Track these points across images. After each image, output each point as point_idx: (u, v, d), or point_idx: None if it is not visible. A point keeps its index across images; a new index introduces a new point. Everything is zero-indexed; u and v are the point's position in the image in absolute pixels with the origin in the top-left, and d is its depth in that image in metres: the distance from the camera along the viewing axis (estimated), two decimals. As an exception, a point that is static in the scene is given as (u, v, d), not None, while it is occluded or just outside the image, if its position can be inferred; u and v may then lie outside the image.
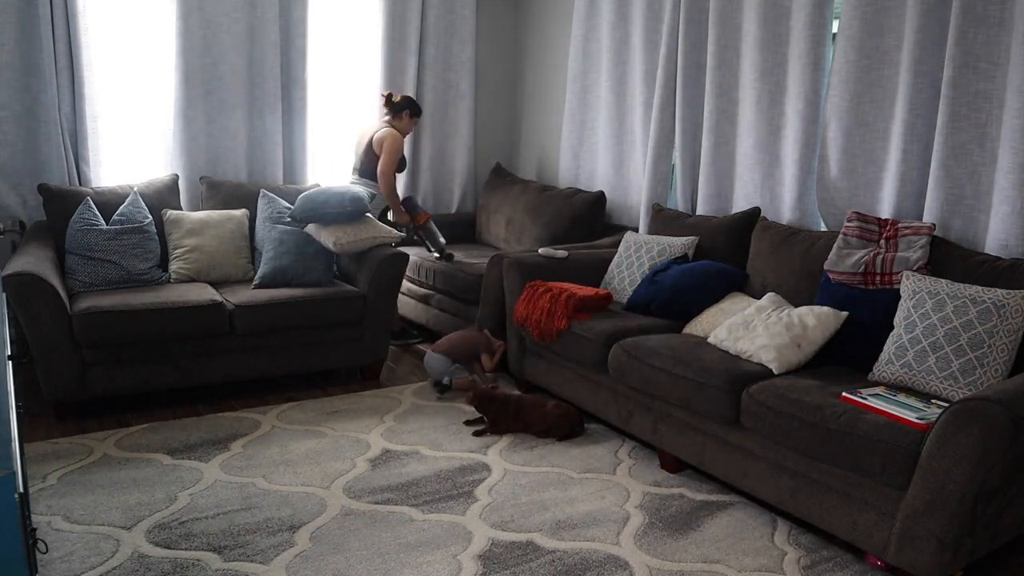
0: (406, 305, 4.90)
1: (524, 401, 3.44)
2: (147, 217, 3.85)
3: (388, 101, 4.61)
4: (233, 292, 3.74)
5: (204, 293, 3.62)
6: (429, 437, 3.33)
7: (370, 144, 4.52)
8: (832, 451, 2.45)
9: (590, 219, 4.53)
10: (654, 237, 3.88)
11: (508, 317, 3.92)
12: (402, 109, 4.59)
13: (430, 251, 4.68)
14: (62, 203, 3.76)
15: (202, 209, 4.26)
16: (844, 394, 2.58)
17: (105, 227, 3.71)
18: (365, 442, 3.26)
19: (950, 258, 2.92)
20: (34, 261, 3.35)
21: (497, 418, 3.40)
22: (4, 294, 2.66)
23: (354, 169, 4.66)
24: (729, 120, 3.97)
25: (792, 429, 2.56)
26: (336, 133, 4.96)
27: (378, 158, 4.47)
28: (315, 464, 3.05)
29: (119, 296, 3.48)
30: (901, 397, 2.57)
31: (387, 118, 4.59)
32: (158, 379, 3.50)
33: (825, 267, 3.19)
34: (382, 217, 4.63)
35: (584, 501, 2.84)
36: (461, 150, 5.39)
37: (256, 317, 3.61)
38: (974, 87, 2.95)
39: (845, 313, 2.97)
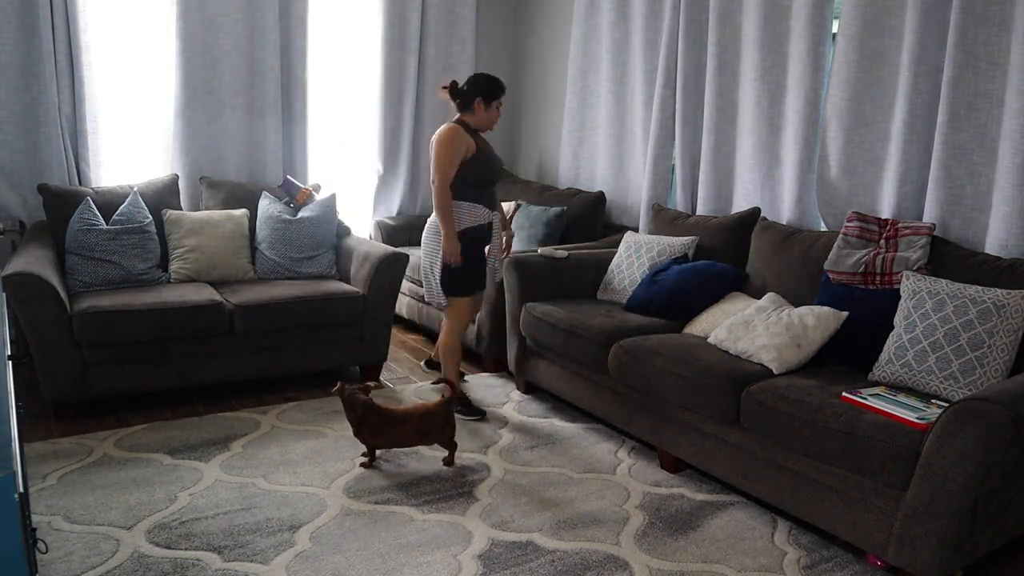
0: (408, 305, 4.90)
1: (389, 416, 2.98)
2: (147, 217, 3.85)
3: (453, 92, 3.56)
4: (233, 292, 3.74)
5: (204, 293, 3.62)
6: (429, 437, 3.33)
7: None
8: (832, 451, 2.45)
9: (590, 219, 4.53)
10: (654, 237, 3.88)
11: (508, 317, 3.92)
12: (470, 97, 3.50)
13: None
14: (62, 203, 3.76)
15: (202, 209, 4.26)
16: (844, 394, 2.58)
17: (105, 227, 3.71)
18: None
19: (950, 258, 2.92)
20: (34, 261, 3.35)
21: (360, 427, 2.99)
22: (4, 294, 2.66)
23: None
24: (729, 120, 3.97)
25: (792, 429, 2.56)
26: (336, 133, 4.96)
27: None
28: (315, 464, 3.05)
29: (119, 296, 3.48)
30: (901, 397, 2.57)
31: (457, 115, 3.57)
32: (158, 379, 3.50)
33: (825, 267, 3.19)
34: (472, 240, 3.51)
35: (584, 501, 2.84)
36: (461, 150, 5.38)
37: (256, 317, 3.61)
38: (974, 87, 2.95)
39: (845, 313, 2.97)
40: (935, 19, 3.05)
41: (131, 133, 4.33)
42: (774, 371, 2.86)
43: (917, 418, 2.37)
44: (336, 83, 4.90)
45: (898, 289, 2.93)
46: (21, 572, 1.16)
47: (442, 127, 3.51)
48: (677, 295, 3.49)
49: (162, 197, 4.06)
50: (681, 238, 3.81)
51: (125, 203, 3.84)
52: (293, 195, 4.27)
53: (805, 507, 2.59)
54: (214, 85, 4.42)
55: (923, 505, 2.23)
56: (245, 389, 3.87)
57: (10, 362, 1.82)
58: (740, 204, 3.95)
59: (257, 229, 4.15)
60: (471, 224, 3.48)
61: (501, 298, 4.02)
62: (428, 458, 3.14)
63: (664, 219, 4.07)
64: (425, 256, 3.58)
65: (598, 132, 4.78)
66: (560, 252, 3.97)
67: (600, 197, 4.56)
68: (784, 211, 3.72)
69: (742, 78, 3.86)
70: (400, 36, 5.00)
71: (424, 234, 3.58)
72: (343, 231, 4.38)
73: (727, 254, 3.71)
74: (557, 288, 3.85)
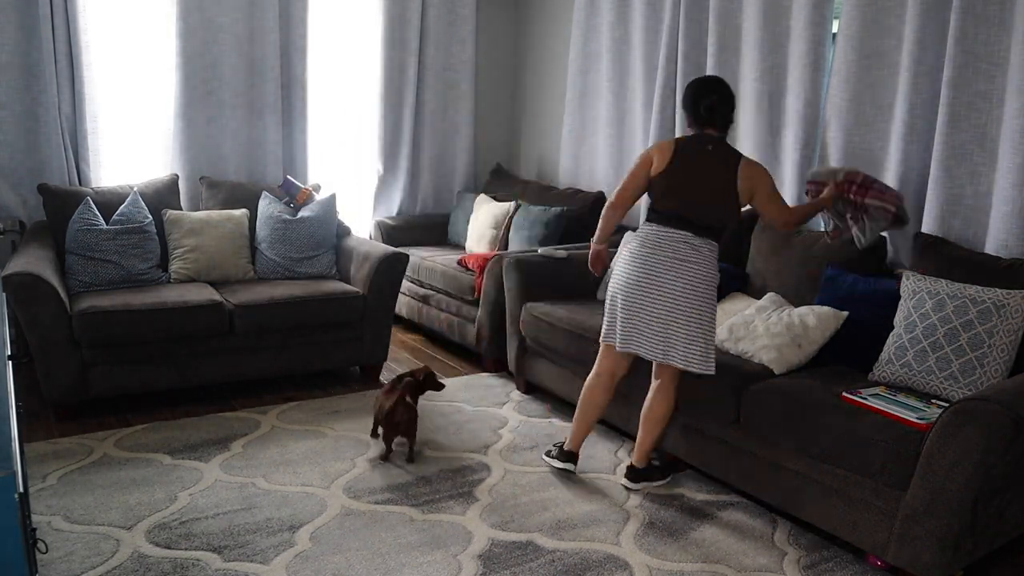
0: (408, 305, 4.90)
1: (391, 403, 3.07)
2: (147, 217, 3.85)
3: (712, 119, 2.80)
4: (233, 292, 3.74)
5: (204, 293, 3.62)
6: (429, 437, 3.33)
7: (728, 182, 2.74)
8: (832, 451, 2.45)
9: (590, 219, 4.52)
10: (654, 237, 3.87)
11: (508, 317, 3.92)
12: (731, 115, 2.86)
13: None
14: (62, 203, 3.76)
15: (202, 209, 4.26)
16: (844, 394, 2.58)
17: (105, 227, 3.71)
18: (365, 442, 3.26)
19: (950, 258, 2.92)
20: (34, 261, 3.35)
21: (379, 423, 3.16)
22: (4, 294, 2.66)
23: (688, 222, 2.75)
24: (729, 120, 3.97)
25: (792, 429, 2.56)
26: (336, 133, 4.96)
27: (738, 204, 2.79)
28: (315, 464, 3.05)
29: (119, 296, 3.48)
30: (901, 397, 2.57)
31: (719, 134, 2.82)
32: (158, 379, 3.50)
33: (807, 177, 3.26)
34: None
35: (584, 501, 2.84)
36: (461, 150, 5.38)
37: (256, 317, 3.61)
38: (974, 87, 2.95)
39: (845, 313, 2.98)
40: (935, 19, 3.05)
41: (131, 133, 4.33)
42: (775, 371, 2.86)
43: (917, 418, 2.37)
44: (336, 83, 4.90)
45: (895, 277, 2.94)
46: (21, 572, 1.16)
47: (746, 162, 2.77)
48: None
49: (162, 197, 4.06)
50: (681, 238, 3.80)
51: (125, 203, 3.84)
52: (293, 195, 4.27)
53: (805, 507, 2.59)
54: (214, 85, 4.42)
55: (923, 505, 2.23)
56: (245, 389, 3.87)
57: (10, 362, 1.82)
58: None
59: (257, 229, 4.15)
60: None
61: (501, 298, 4.02)
62: (428, 458, 3.14)
63: (664, 219, 4.06)
64: (700, 315, 2.74)
65: (598, 132, 4.78)
66: (560, 252, 3.97)
67: (600, 197, 4.56)
68: (784, 211, 3.72)
69: (742, 78, 3.86)
70: (400, 36, 5.00)
71: (689, 288, 2.72)
72: (343, 231, 4.38)
73: (727, 254, 3.70)
74: (557, 288, 3.85)
